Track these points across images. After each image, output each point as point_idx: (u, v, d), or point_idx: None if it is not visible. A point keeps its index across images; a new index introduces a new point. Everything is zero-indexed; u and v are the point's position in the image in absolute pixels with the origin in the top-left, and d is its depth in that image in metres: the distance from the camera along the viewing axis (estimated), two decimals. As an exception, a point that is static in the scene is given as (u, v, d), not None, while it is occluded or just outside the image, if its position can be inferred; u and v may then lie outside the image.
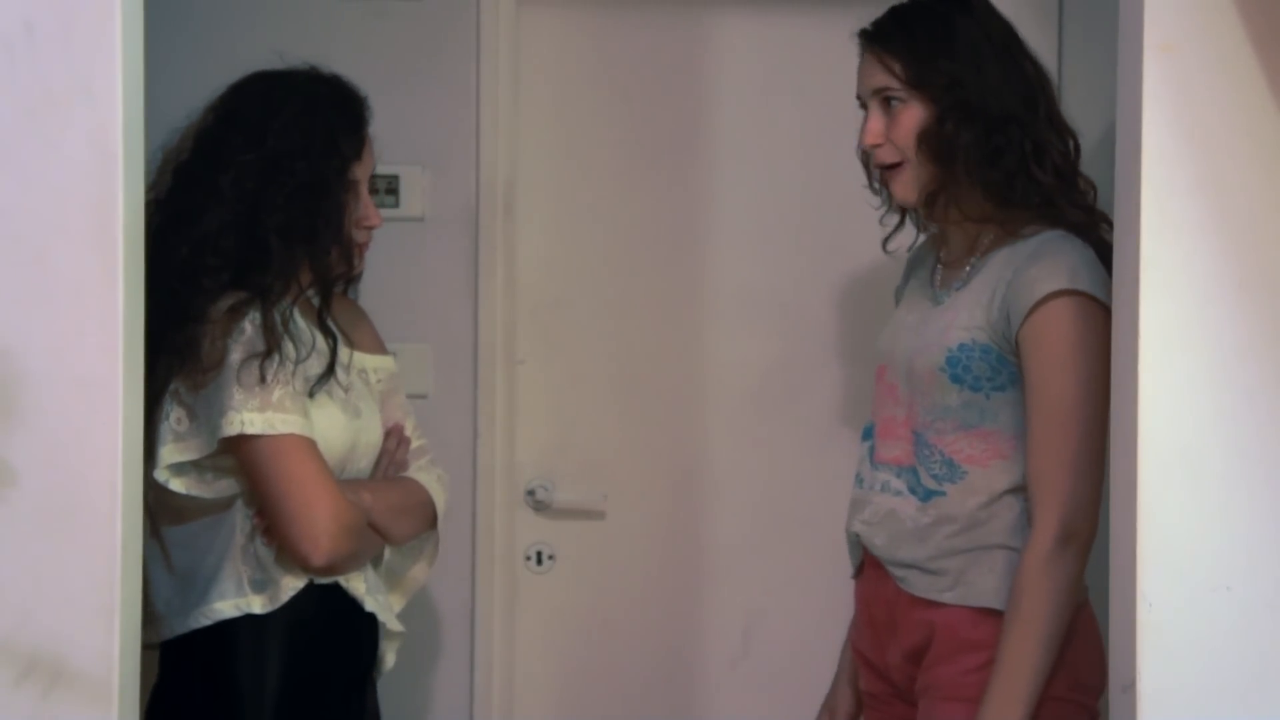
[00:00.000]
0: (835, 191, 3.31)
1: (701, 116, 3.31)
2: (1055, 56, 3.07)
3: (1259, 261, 1.98)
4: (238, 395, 2.37)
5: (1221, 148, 1.98)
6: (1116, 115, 2.09)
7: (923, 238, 2.66)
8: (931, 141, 2.41)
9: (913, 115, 2.42)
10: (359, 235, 2.57)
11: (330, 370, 2.49)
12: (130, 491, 1.94)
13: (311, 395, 2.46)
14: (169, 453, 2.40)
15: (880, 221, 2.68)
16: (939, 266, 2.54)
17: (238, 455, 2.41)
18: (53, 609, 1.90)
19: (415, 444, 2.68)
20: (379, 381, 2.65)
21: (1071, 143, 2.47)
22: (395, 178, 3.19)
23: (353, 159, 2.53)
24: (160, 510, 2.46)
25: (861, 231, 3.31)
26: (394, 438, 2.64)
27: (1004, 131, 2.39)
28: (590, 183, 3.33)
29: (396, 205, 3.20)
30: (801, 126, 3.31)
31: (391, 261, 3.03)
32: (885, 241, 2.67)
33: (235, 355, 2.38)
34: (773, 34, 3.30)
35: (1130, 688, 1.98)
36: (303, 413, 2.42)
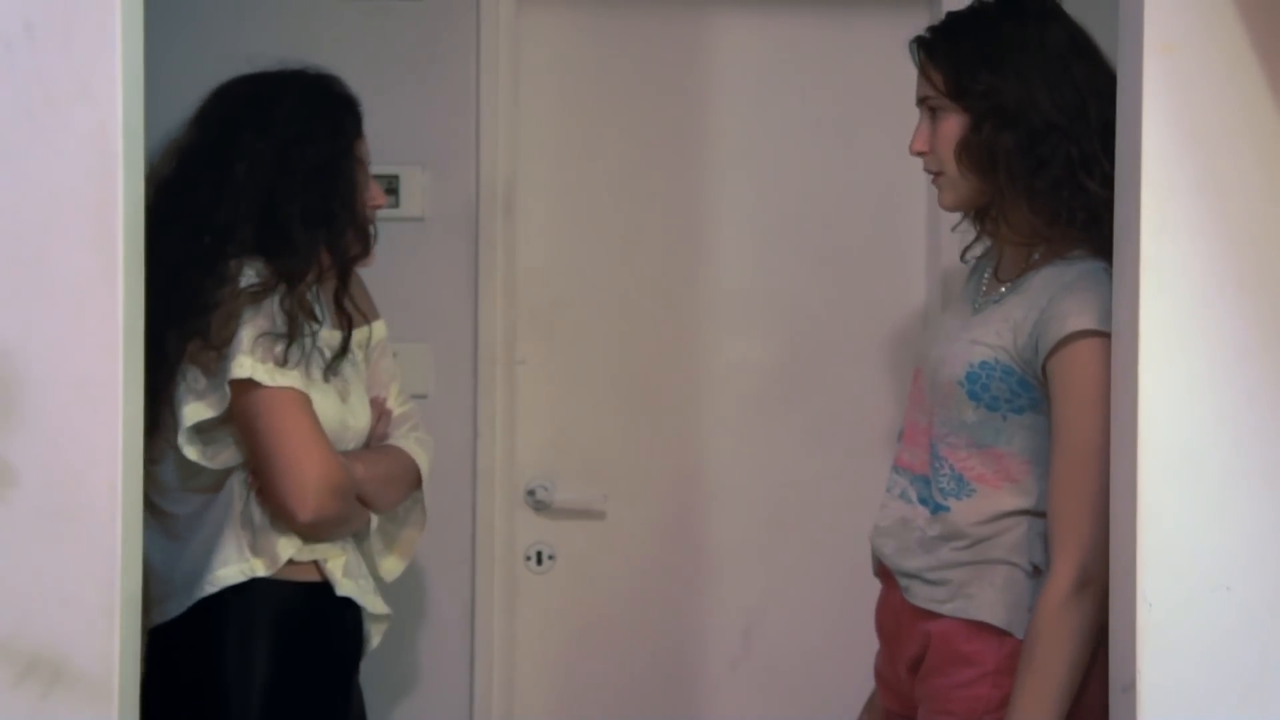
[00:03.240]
0: (835, 191, 3.32)
1: (701, 116, 3.32)
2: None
3: (1259, 261, 1.98)
4: (246, 347, 2.42)
5: (1221, 148, 1.97)
6: (1117, 115, 2.09)
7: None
8: (970, 150, 2.37)
9: (951, 126, 2.39)
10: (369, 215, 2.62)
11: (344, 351, 2.54)
12: (130, 491, 1.94)
13: (326, 379, 2.52)
14: (192, 412, 2.44)
15: (953, 229, 2.64)
16: (988, 276, 2.50)
17: (237, 407, 2.44)
18: (53, 609, 1.90)
19: (399, 410, 2.73)
20: (373, 347, 2.71)
21: None
22: (395, 178, 3.19)
23: (355, 136, 2.59)
24: (156, 495, 2.49)
25: (861, 231, 3.33)
26: (375, 410, 2.68)
27: (1047, 141, 2.32)
28: (590, 183, 3.33)
29: (396, 205, 3.20)
30: (801, 126, 3.31)
31: (391, 261, 3.03)
32: (964, 251, 2.65)
33: (250, 330, 2.43)
34: (773, 34, 3.30)
35: (1130, 688, 1.98)
36: (306, 377, 2.47)
